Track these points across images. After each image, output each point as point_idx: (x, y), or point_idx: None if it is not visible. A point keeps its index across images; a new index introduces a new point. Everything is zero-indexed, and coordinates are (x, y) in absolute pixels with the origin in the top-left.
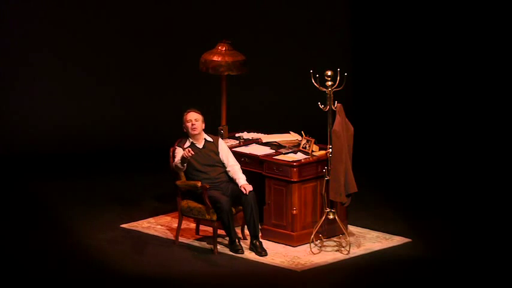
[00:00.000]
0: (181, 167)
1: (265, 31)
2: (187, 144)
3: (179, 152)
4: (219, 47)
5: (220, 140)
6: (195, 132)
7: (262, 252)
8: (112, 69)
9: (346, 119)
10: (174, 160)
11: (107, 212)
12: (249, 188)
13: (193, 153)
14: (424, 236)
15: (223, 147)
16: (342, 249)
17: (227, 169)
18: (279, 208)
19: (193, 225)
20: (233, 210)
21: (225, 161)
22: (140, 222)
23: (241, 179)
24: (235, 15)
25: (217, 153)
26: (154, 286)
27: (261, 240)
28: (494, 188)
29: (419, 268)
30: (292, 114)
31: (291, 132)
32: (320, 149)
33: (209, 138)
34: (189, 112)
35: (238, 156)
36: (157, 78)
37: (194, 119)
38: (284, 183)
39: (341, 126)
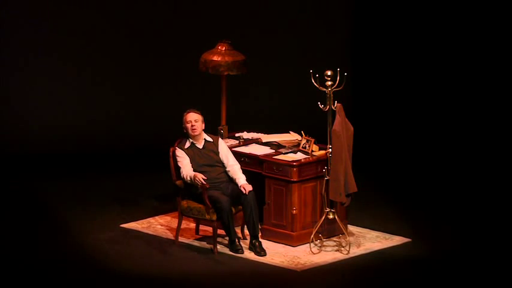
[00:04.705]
0: (189, 183)
1: (265, 31)
2: (188, 144)
3: (183, 157)
4: (219, 47)
5: (220, 139)
6: (195, 133)
7: (261, 252)
8: (112, 70)
9: (346, 119)
10: (176, 162)
11: (107, 212)
12: (249, 187)
13: (205, 183)
14: (424, 236)
15: (223, 147)
16: (342, 249)
17: (227, 169)
18: (278, 208)
19: (193, 225)
20: (233, 210)
21: (224, 161)
22: (140, 222)
23: (241, 179)
24: (235, 15)
25: (217, 153)
26: (154, 286)
27: (260, 240)
28: (494, 188)
29: (419, 268)
30: (292, 114)
31: (291, 132)
32: (320, 149)
33: (209, 138)
34: (188, 113)
35: (238, 156)
36: (157, 78)
37: (194, 120)
38: (284, 183)
39: (341, 126)
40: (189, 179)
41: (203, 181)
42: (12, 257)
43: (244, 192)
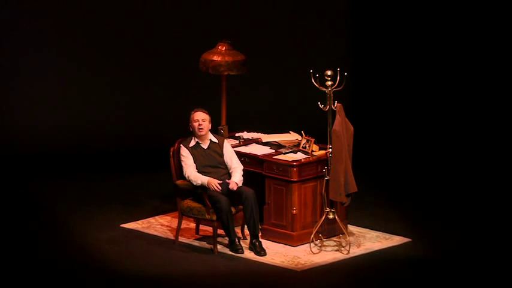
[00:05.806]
0: (195, 185)
1: (265, 31)
2: (193, 143)
3: (187, 157)
4: (219, 47)
5: (225, 141)
6: (202, 133)
7: (261, 252)
8: (112, 70)
9: (346, 119)
10: (180, 160)
11: (107, 212)
12: (233, 185)
13: (219, 189)
14: (424, 236)
15: (228, 149)
16: (342, 249)
17: (230, 171)
18: (279, 208)
19: (193, 225)
20: (233, 209)
21: (228, 163)
22: (140, 222)
23: (235, 177)
24: (236, 15)
25: (221, 155)
26: (154, 286)
27: (260, 240)
28: (494, 188)
29: (419, 268)
30: (292, 114)
31: (291, 132)
32: (320, 149)
33: (214, 139)
34: (196, 111)
35: (238, 156)
36: (157, 78)
37: (201, 119)
38: (284, 183)
39: (341, 126)
40: (199, 182)
41: (217, 188)
42: (12, 257)
43: (227, 182)
